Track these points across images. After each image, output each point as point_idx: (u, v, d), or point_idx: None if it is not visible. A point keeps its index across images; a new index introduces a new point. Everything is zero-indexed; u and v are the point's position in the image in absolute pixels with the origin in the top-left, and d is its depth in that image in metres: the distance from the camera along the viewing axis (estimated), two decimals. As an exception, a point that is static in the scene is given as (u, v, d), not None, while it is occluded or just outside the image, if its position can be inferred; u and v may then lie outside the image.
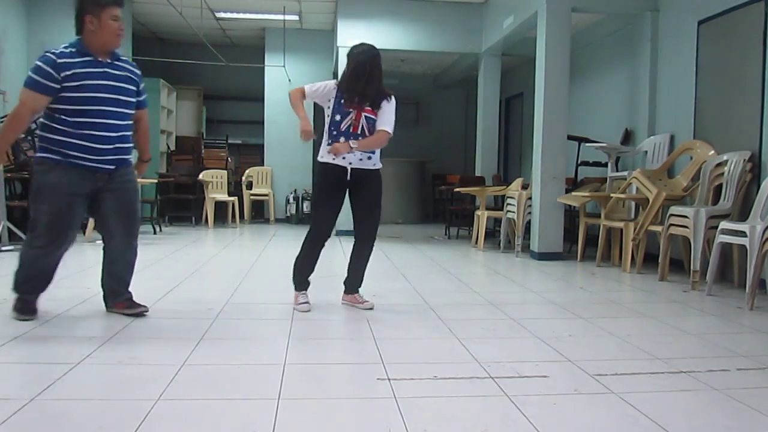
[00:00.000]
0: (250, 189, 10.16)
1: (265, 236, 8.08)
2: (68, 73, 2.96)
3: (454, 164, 11.98)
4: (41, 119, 3.10)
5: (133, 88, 3.21)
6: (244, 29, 10.32)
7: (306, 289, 3.78)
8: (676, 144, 5.78)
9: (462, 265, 5.90)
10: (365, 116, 3.54)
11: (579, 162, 7.40)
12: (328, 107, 3.60)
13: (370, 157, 3.63)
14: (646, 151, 6.08)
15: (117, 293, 3.39)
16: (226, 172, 9.63)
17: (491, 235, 7.98)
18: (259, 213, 10.55)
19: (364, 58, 3.56)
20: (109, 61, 3.11)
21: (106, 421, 1.96)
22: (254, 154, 11.12)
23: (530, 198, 6.39)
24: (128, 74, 3.20)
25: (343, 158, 3.54)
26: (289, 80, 10.28)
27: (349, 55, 3.61)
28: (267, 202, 10.25)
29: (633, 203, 5.86)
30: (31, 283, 3.23)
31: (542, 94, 6.17)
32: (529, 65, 7.29)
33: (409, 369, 2.57)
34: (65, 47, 3.03)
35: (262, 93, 10.37)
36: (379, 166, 3.72)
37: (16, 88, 8.06)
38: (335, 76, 9.38)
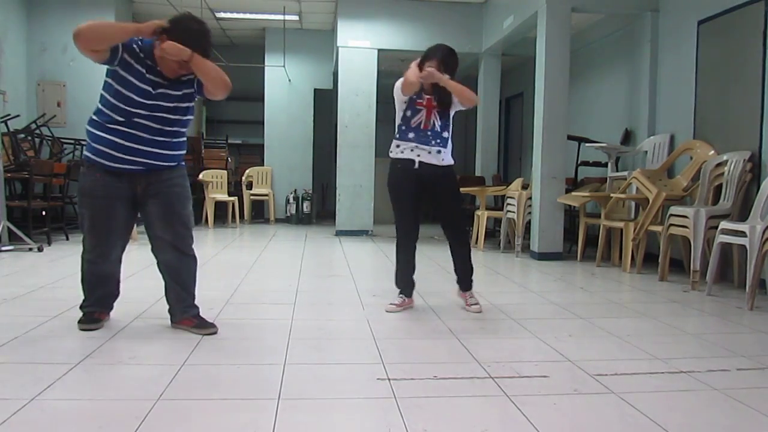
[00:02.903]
0: (250, 189, 10.16)
1: (265, 236, 8.08)
2: (130, 60, 2.85)
3: (454, 164, 11.96)
4: (91, 115, 2.95)
5: (180, 104, 3.02)
6: (244, 29, 10.32)
7: (411, 294, 3.80)
8: (676, 144, 5.78)
9: (462, 265, 5.90)
10: (436, 113, 3.58)
11: (579, 162, 7.40)
12: (405, 102, 3.60)
13: (439, 151, 3.61)
14: (646, 151, 6.08)
15: (180, 309, 3.16)
16: (226, 172, 9.64)
17: (491, 235, 7.98)
18: (259, 213, 10.55)
19: (448, 57, 3.56)
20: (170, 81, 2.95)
21: (106, 421, 1.96)
22: (254, 154, 11.12)
23: (530, 198, 6.39)
24: (186, 92, 3.02)
25: (412, 150, 3.56)
26: (289, 80, 10.28)
27: (429, 53, 3.59)
28: (267, 202, 10.25)
29: (633, 203, 5.86)
30: (92, 296, 3.12)
31: (542, 94, 6.17)
32: (529, 65, 7.29)
33: (409, 369, 2.57)
34: (146, 41, 2.90)
35: (262, 93, 10.37)
36: (450, 162, 3.69)
37: (17, 88, 8.11)
38: (335, 76, 9.39)
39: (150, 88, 2.88)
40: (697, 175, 5.25)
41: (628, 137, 6.54)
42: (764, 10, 4.67)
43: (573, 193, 6.36)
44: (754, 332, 3.45)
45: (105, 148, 2.88)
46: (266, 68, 10.27)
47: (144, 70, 2.88)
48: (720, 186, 4.95)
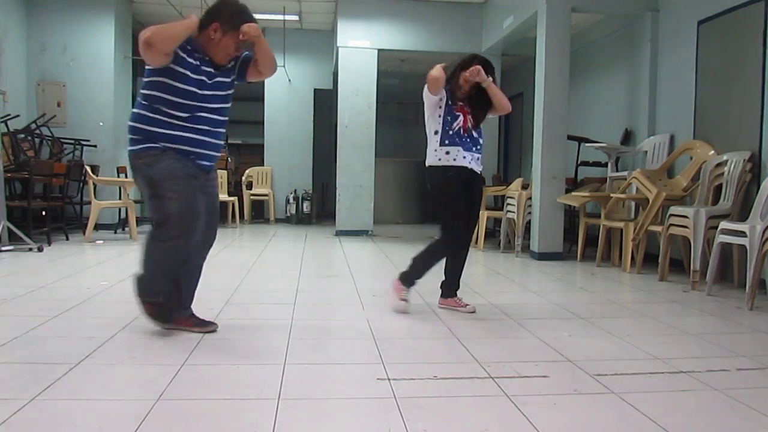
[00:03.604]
0: (250, 189, 10.16)
1: (265, 236, 8.08)
2: (183, 55, 2.81)
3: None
4: (136, 110, 2.88)
5: (231, 91, 3.05)
6: (244, 29, 10.31)
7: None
8: (676, 144, 5.78)
9: (462, 265, 5.90)
10: (471, 119, 3.61)
11: (579, 162, 7.39)
12: (440, 107, 3.60)
13: (478, 158, 3.66)
14: (646, 151, 6.08)
15: (182, 309, 3.09)
16: (226, 172, 9.63)
17: (491, 235, 7.98)
18: (259, 213, 10.54)
19: (488, 66, 3.59)
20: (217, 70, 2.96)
21: (106, 421, 1.96)
22: (254, 154, 11.12)
23: (530, 198, 6.39)
24: (232, 78, 3.05)
25: (464, 157, 3.57)
26: (289, 80, 10.28)
27: (465, 61, 3.61)
28: (267, 202, 10.25)
29: (633, 203, 5.86)
30: (159, 285, 2.97)
31: (542, 94, 6.17)
32: (529, 65, 7.29)
33: (409, 369, 2.57)
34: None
35: (262, 93, 10.36)
36: (481, 169, 3.74)
37: (17, 88, 8.10)
38: (335, 76, 9.39)
39: (206, 78, 2.88)
40: (697, 175, 5.25)
41: (628, 137, 6.54)
42: (764, 10, 4.67)
43: (573, 193, 6.36)
44: (754, 332, 3.45)
45: (179, 145, 2.84)
46: (266, 68, 10.25)
47: (197, 62, 2.87)
48: (720, 186, 4.95)
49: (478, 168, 3.65)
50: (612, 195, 5.82)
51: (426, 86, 3.57)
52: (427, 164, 3.68)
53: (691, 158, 5.42)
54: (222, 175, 9.49)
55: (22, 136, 7.25)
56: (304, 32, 10.32)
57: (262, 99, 10.39)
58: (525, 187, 6.84)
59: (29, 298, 3.82)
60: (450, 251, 3.70)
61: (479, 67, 3.49)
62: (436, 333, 3.21)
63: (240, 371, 2.53)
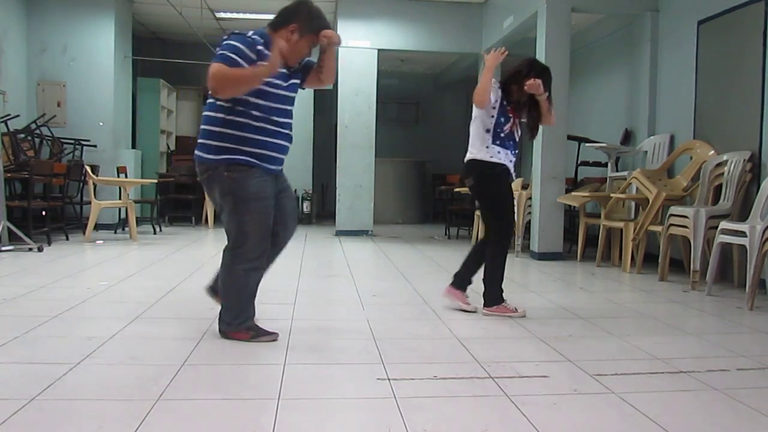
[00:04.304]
0: (250, 189, 10.15)
1: (265, 236, 8.07)
2: (263, 63, 2.73)
3: (454, 164, 11.93)
4: (214, 113, 2.81)
5: (295, 94, 3.00)
6: (244, 29, 10.30)
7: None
8: (676, 144, 5.77)
9: (462, 265, 5.90)
10: (518, 123, 3.65)
11: (579, 162, 7.39)
12: (494, 107, 3.58)
13: (514, 161, 3.70)
14: (646, 151, 6.08)
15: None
16: (226, 172, 9.62)
17: (491, 235, 7.97)
18: (259, 213, 10.53)
19: (549, 80, 3.62)
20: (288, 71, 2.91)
21: (106, 421, 1.96)
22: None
23: (530, 198, 6.39)
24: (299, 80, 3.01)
25: (510, 161, 3.60)
26: (289, 80, 10.27)
27: (530, 67, 3.61)
28: (267, 202, 10.23)
29: (633, 203, 5.86)
30: (248, 310, 2.92)
31: (542, 94, 6.16)
32: (529, 65, 7.28)
33: (409, 369, 2.57)
34: (256, 34, 2.79)
35: (262, 93, 10.35)
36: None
37: (17, 88, 8.10)
38: (335, 76, 9.38)
39: (282, 81, 2.85)
40: (697, 175, 5.25)
41: (628, 137, 6.54)
42: (764, 10, 4.67)
43: (573, 193, 6.36)
44: (754, 332, 3.45)
45: (265, 150, 2.82)
46: (266, 68, 10.26)
47: (284, 70, 2.85)
48: (720, 186, 4.95)
49: (512, 169, 3.68)
50: (612, 195, 5.82)
51: (473, 98, 3.54)
52: (475, 158, 3.62)
53: (691, 158, 5.42)
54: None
55: (22, 136, 7.25)
56: (304, 32, 10.30)
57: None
58: (525, 187, 6.84)
59: (29, 298, 3.82)
60: (507, 244, 3.68)
61: (540, 81, 3.48)
62: (436, 333, 3.21)
63: (240, 371, 2.53)
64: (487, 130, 3.58)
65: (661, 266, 4.99)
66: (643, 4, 6.16)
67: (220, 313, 2.96)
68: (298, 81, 2.98)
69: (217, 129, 2.79)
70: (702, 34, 5.45)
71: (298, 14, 2.85)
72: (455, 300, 3.72)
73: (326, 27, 2.91)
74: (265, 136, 2.81)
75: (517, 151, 3.69)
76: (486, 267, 3.66)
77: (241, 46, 2.70)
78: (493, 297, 3.62)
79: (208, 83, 2.66)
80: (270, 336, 2.93)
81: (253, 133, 2.78)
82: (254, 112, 2.77)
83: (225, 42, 2.76)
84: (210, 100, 2.83)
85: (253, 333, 2.92)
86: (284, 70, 2.85)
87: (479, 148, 3.59)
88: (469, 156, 3.65)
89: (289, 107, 2.92)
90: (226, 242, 2.94)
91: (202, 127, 2.85)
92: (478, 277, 3.72)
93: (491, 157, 3.55)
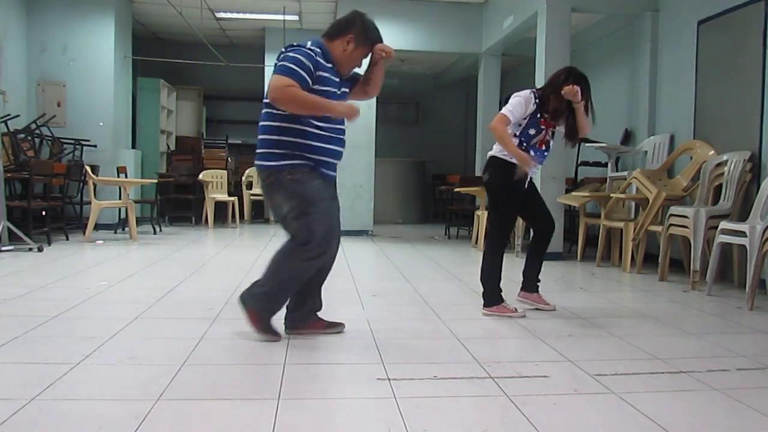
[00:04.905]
0: (250, 189, 10.16)
1: (265, 236, 8.07)
2: (321, 74, 2.81)
3: (454, 164, 11.98)
4: (272, 122, 2.87)
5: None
6: (244, 29, 10.32)
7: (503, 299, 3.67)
8: (676, 144, 5.78)
9: (462, 265, 5.90)
10: (551, 132, 3.63)
11: (579, 162, 7.39)
12: (524, 118, 3.56)
13: (539, 169, 3.73)
14: (646, 151, 6.08)
15: (314, 312, 3.13)
16: (226, 172, 9.63)
17: (491, 235, 7.97)
18: (259, 213, 10.54)
19: (588, 89, 3.64)
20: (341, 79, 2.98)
21: (106, 421, 1.96)
22: (254, 154, 11.07)
23: (530, 198, 6.38)
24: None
25: (534, 171, 3.59)
26: (289, 80, 10.27)
27: (567, 74, 3.62)
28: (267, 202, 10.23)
29: (633, 203, 5.86)
30: (284, 301, 3.00)
31: (542, 94, 6.16)
32: (529, 65, 7.28)
33: (409, 369, 2.57)
34: (314, 45, 2.85)
35: (262, 93, 10.33)
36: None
37: (17, 88, 8.10)
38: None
39: (337, 89, 2.91)
40: (697, 175, 5.25)
41: (628, 137, 6.54)
42: (764, 10, 4.67)
43: (573, 193, 6.36)
44: (754, 332, 3.45)
45: (323, 156, 2.87)
46: (266, 68, 10.25)
47: (334, 76, 2.89)
48: (720, 186, 4.95)
49: (533, 176, 3.69)
50: (612, 195, 5.82)
51: (523, 102, 3.53)
52: (494, 155, 3.60)
53: (691, 158, 5.42)
54: (222, 175, 9.50)
55: (22, 136, 7.25)
56: (304, 32, 10.30)
57: (262, 99, 10.34)
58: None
59: (29, 298, 3.82)
60: (497, 247, 3.67)
61: (578, 88, 3.48)
62: (436, 333, 3.21)
63: (240, 371, 2.53)
64: (514, 135, 3.56)
65: (661, 266, 4.99)
66: (643, 4, 6.16)
67: (252, 286, 2.96)
68: (347, 90, 3.03)
69: (276, 137, 2.84)
70: (702, 34, 5.45)
71: (353, 25, 2.92)
72: (534, 303, 3.75)
73: (380, 40, 2.97)
74: (322, 142, 2.87)
75: (544, 160, 3.67)
76: (482, 266, 3.68)
77: (301, 58, 2.75)
78: (492, 297, 3.62)
79: (271, 94, 2.73)
80: (274, 336, 2.95)
81: (312, 139, 2.84)
82: (312, 120, 2.82)
83: (286, 53, 2.81)
84: (267, 110, 2.89)
85: (264, 326, 2.94)
86: (336, 78, 2.90)
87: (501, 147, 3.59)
88: (491, 152, 3.66)
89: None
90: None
91: (261, 136, 2.91)
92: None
93: (511, 158, 3.52)
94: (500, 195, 3.66)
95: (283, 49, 2.85)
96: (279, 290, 2.94)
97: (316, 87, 2.78)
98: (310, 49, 2.81)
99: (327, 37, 2.93)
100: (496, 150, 3.61)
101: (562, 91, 3.47)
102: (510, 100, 3.57)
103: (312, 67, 2.77)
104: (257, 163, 2.93)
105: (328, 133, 2.87)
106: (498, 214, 3.69)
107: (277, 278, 2.93)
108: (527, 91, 3.58)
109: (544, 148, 3.62)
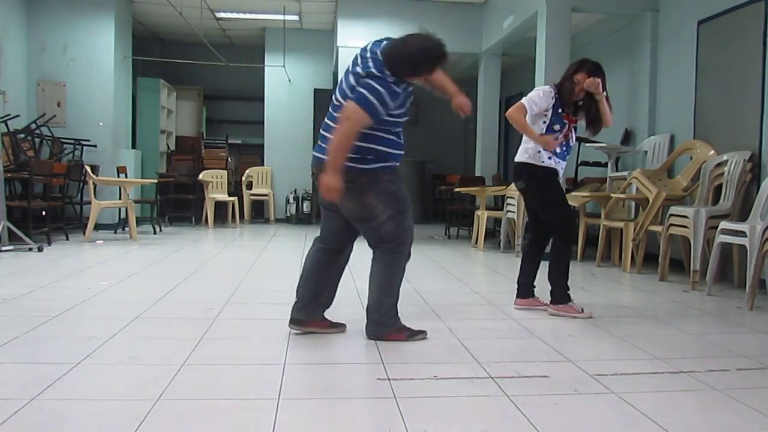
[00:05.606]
0: (250, 189, 10.16)
1: (265, 236, 8.08)
2: (396, 103, 2.86)
3: (454, 164, 11.98)
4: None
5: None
6: (244, 29, 10.32)
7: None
8: (676, 144, 5.77)
9: (462, 265, 5.90)
10: (573, 127, 3.63)
11: (579, 162, 7.39)
12: (545, 114, 3.56)
13: (564, 165, 3.72)
14: (646, 151, 6.07)
15: (323, 309, 3.17)
16: (226, 172, 9.64)
17: (491, 235, 7.97)
18: (259, 213, 10.54)
19: (600, 74, 3.58)
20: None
21: (106, 421, 1.96)
22: (254, 154, 11.12)
23: (530, 198, 6.38)
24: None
25: (562, 168, 3.62)
26: (289, 80, 10.28)
27: (580, 64, 3.60)
28: (267, 202, 10.25)
29: (633, 203, 5.86)
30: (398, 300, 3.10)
31: (542, 94, 6.16)
32: (529, 65, 7.29)
33: (409, 369, 2.57)
34: (390, 78, 2.83)
35: (262, 93, 10.37)
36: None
37: (16, 88, 8.10)
38: (335, 76, 9.38)
39: (406, 99, 2.98)
40: (697, 175, 5.25)
41: (628, 137, 6.54)
42: (764, 10, 4.67)
43: (573, 193, 6.35)
44: (754, 332, 3.45)
45: (396, 162, 3.01)
46: (266, 68, 10.27)
47: (405, 85, 2.92)
48: (720, 186, 4.95)
49: (561, 173, 3.68)
50: (612, 195, 5.82)
51: (543, 95, 3.56)
52: (526, 161, 3.61)
53: (691, 158, 5.42)
54: (222, 175, 9.50)
55: (22, 136, 7.25)
56: (304, 32, 10.32)
57: (262, 99, 10.39)
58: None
59: (29, 298, 3.82)
60: (570, 243, 3.67)
61: (599, 80, 3.47)
62: (436, 333, 3.20)
63: (240, 371, 2.53)
64: (540, 134, 3.57)
65: (661, 266, 4.99)
66: (643, 4, 6.16)
67: (371, 319, 3.03)
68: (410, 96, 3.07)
69: (364, 144, 2.85)
70: (702, 34, 5.45)
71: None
72: (531, 307, 3.73)
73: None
74: (394, 148, 2.98)
75: (568, 156, 3.68)
76: (551, 265, 3.66)
77: (386, 99, 2.78)
78: (560, 295, 3.62)
79: (344, 122, 2.73)
80: (421, 334, 3.04)
81: (388, 146, 2.94)
82: (391, 128, 2.92)
83: (366, 81, 2.79)
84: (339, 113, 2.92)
85: (408, 333, 3.02)
86: (398, 90, 2.87)
87: (530, 153, 3.58)
88: (518, 158, 3.66)
89: (405, 120, 3.07)
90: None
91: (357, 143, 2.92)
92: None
93: (543, 162, 3.55)
94: (545, 192, 3.64)
95: (363, 74, 2.83)
96: (396, 297, 3.07)
97: (393, 112, 2.88)
98: (390, 81, 2.83)
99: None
100: (524, 156, 3.61)
101: (585, 84, 3.48)
102: (530, 93, 3.62)
103: (390, 103, 2.84)
104: (347, 165, 2.81)
105: (397, 139, 2.99)
106: (554, 208, 3.64)
107: (394, 291, 3.06)
108: (547, 86, 3.63)
109: (564, 143, 3.61)
